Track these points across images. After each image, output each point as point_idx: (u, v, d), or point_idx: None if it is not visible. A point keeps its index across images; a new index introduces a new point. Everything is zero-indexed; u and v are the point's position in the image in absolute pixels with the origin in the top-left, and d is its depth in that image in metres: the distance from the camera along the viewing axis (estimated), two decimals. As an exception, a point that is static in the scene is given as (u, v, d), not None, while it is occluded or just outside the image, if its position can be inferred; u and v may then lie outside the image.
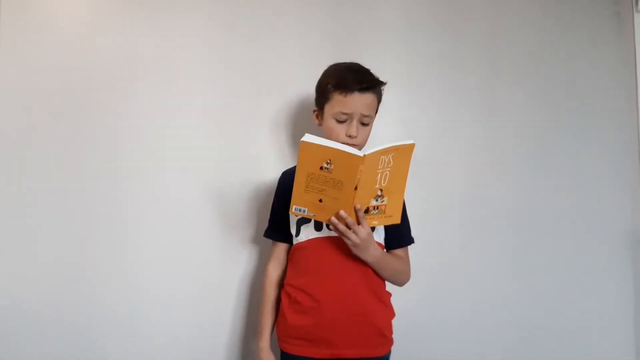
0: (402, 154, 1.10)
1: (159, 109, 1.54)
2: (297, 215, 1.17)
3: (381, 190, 1.13)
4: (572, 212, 1.71)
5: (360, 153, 1.05)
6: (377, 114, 1.35)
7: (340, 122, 1.25)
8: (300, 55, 1.61)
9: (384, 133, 1.60)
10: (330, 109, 1.26)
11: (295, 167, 1.38)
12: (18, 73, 1.49)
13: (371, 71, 1.29)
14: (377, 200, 1.14)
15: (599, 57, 1.77)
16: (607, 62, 1.77)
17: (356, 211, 1.12)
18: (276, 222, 1.36)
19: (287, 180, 1.33)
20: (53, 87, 1.50)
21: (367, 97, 1.25)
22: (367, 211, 1.14)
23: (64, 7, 1.53)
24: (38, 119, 1.49)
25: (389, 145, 1.07)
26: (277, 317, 1.34)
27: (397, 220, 1.18)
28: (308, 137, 1.05)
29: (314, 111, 1.35)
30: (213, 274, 1.55)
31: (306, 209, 1.14)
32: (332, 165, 1.06)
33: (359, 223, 1.14)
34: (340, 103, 1.24)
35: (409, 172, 1.13)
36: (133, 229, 1.52)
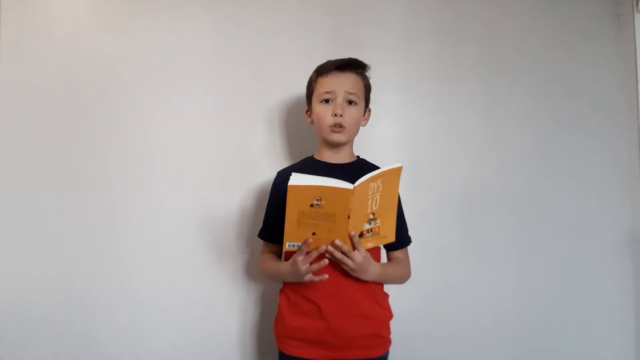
0: (390, 177, 1.10)
1: (158, 110, 1.54)
2: (290, 251, 1.16)
3: (373, 214, 1.13)
4: (572, 211, 1.71)
5: (350, 186, 1.04)
6: (369, 112, 1.36)
7: (325, 103, 1.28)
8: (301, 56, 1.60)
9: (385, 133, 1.63)
10: (316, 94, 1.30)
11: (290, 166, 1.39)
12: (18, 74, 1.49)
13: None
14: (370, 224, 1.14)
15: (599, 57, 1.76)
16: (608, 63, 1.77)
17: (351, 237, 1.12)
18: (271, 224, 1.34)
19: (281, 181, 1.32)
20: (52, 88, 1.50)
21: (348, 76, 1.28)
22: (361, 235, 1.14)
23: (64, 8, 1.53)
24: (37, 120, 1.49)
25: (377, 172, 1.07)
26: (275, 318, 1.33)
27: (391, 239, 1.19)
28: (295, 180, 1.03)
29: (306, 111, 1.36)
30: (210, 276, 1.55)
31: (300, 244, 1.13)
32: (323, 201, 1.05)
33: (354, 248, 1.15)
34: (323, 84, 1.29)
35: (398, 191, 1.14)
36: (132, 230, 1.52)
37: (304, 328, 1.24)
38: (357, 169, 1.31)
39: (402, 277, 1.34)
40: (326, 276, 1.17)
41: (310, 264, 1.15)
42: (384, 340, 1.29)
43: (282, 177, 1.34)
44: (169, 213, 1.53)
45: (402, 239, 1.34)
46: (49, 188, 1.49)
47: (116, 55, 1.54)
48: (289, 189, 1.04)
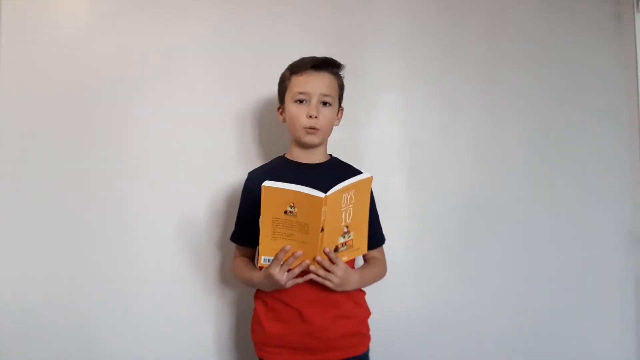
0: (362, 188, 1.10)
1: (159, 113, 1.54)
2: (265, 267, 1.14)
3: (347, 226, 1.12)
4: (573, 212, 1.71)
5: (321, 194, 1.03)
6: (342, 111, 1.34)
7: (300, 103, 1.25)
8: (301, 57, 1.57)
9: (385, 134, 1.63)
10: (289, 93, 1.27)
11: (261, 166, 1.37)
12: (18, 75, 1.50)
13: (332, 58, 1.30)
14: (344, 237, 1.13)
15: (599, 58, 1.77)
16: (608, 64, 1.77)
17: (327, 254, 1.12)
18: (243, 226, 1.32)
19: (253, 182, 1.31)
20: (52, 89, 1.51)
21: (324, 77, 1.26)
22: (335, 249, 1.14)
23: (64, 10, 1.54)
24: (36, 120, 1.50)
25: (348, 182, 1.06)
26: (251, 325, 1.31)
27: (364, 251, 1.19)
28: (268, 182, 1.04)
29: (278, 108, 1.34)
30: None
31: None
32: (296, 209, 1.05)
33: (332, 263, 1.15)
34: (297, 84, 1.26)
35: (369, 202, 1.14)
36: (131, 230, 1.52)
37: (284, 334, 1.22)
38: (329, 168, 1.31)
39: (379, 275, 1.34)
40: (311, 275, 1.14)
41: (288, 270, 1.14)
42: (364, 337, 1.29)
43: (253, 179, 1.32)
44: (169, 215, 1.53)
45: (376, 241, 1.33)
46: (46, 188, 1.49)
47: (116, 56, 1.54)
48: (262, 190, 1.04)
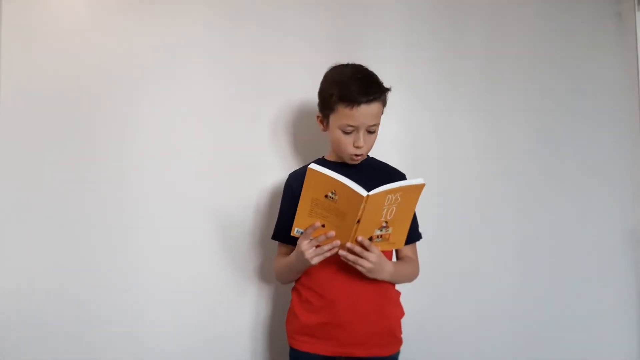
0: (411, 192, 1.10)
1: (159, 110, 1.54)
2: (298, 237, 1.17)
3: (386, 222, 1.13)
4: (574, 211, 1.71)
5: (363, 192, 1.04)
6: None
7: (346, 133, 1.24)
8: (303, 56, 1.60)
9: (386, 132, 1.58)
10: (337, 120, 1.24)
11: (301, 168, 1.39)
12: (17, 74, 1.48)
13: (374, 74, 1.26)
14: (381, 231, 1.14)
15: (600, 56, 1.77)
16: (609, 62, 1.77)
17: (360, 242, 1.13)
18: (285, 225, 1.32)
19: (293, 182, 1.33)
20: (52, 88, 1.49)
21: (373, 108, 1.22)
22: (370, 239, 1.15)
23: (64, 8, 1.52)
24: (36, 120, 1.49)
25: (396, 185, 1.06)
26: (287, 315, 1.35)
27: (400, 246, 1.20)
28: (315, 166, 1.06)
29: (318, 117, 1.33)
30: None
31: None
32: (337, 196, 1.06)
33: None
34: (347, 116, 1.21)
35: (415, 205, 1.14)
36: (133, 231, 1.51)
37: (315, 324, 1.25)
38: (367, 167, 1.33)
39: (412, 275, 1.35)
40: (333, 251, 1.15)
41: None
42: (396, 339, 1.30)
43: (294, 178, 1.35)
44: (171, 218, 1.53)
45: (411, 235, 1.32)
46: (49, 188, 1.48)
47: (117, 56, 1.53)
48: (308, 172, 1.05)
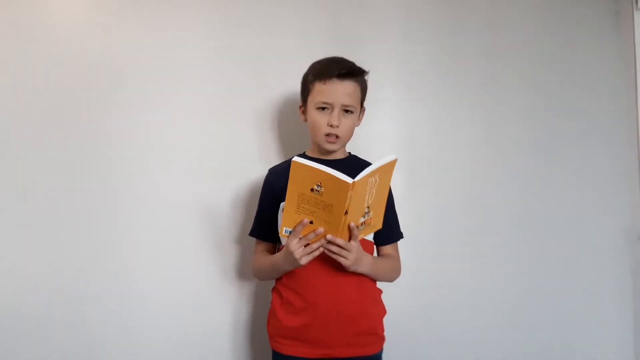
0: (386, 170, 1.12)
1: (156, 108, 1.53)
2: (286, 237, 1.16)
3: (368, 207, 1.14)
4: (572, 210, 1.71)
5: (349, 180, 1.04)
6: (363, 111, 1.35)
7: (321, 110, 1.26)
8: (300, 53, 1.55)
9: (383, 131, 1.63)
10: (312, 99, 1.27)
11: (281, 163, 1.38)
12: (13, 72, 1.48)
13: (355, 63, 1.28)
14: (364, 217, 1.15)
15: (598, 55, 1.77)
16: (607, 60, 1.77)
17: (351, 229, 1.12)
18: (263, 221, 1.34)
19: (273, 178, 1.33)
20: (48, 86, 1.49)
21: (348, 85, 1.25)
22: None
23: (61, 5, 1.52)
24: (33, 119, 1.48)
25: (375, 167, 1.07)
26: (268, 317, 1.33)
27: (379, 226, 1.21)
28: (299, 158, 1.06)
29: (300, 107, 1.35)
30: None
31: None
32: (323, 188, 1.06)
33: (349, 239, 1.14)
34: (321, 92, 1.25)
35: (390, 182, 1.16)
36: (130, 228, 1.51)
37: (298, 327, 1.24)
38: (349, 164, 1.31)
39: (393, 271, 1.34)
40: (320, 250, 1.14)
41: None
42: (379, 337, 1.30)
43: (274, 174, 1.34)
44: (166, 216, 1.52)
45: (392, 234, 1.34)
46: (46, 186, 1.48)
47: (113, 53, 1.53)
48: (292, 165, 1.05)
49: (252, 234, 1.38)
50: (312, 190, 1.07)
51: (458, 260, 1.65)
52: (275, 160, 1.54)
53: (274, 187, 1.29)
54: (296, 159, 1.06)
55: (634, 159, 1.76)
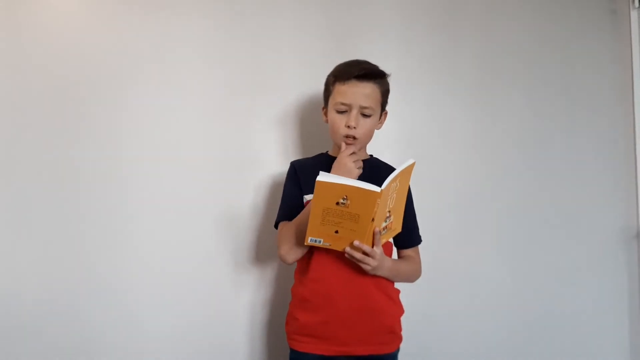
0: (406, 174, 1.13)
1: (155, 108, 1.52)
2: (312, 245, 1.17)
3: (389, 211, 1.15)
4: (567, 209, 1.73)
5: (377, 189, 1.05)
6: (385, 114, 1.35)
7: (340, 112, 1.27)
8: (298, 54, 1.59)
9: (381, 130, 1.58)
10: (332, 100, 1.28)
11: (304, 159, 1.39)
12: (11, 72, 1.46)
13: (378, 66, 1.29)
14: (386, 221, 1.16)
15: (595, 54, 1.79)
16: (604, 60, 1.79)
17: (374, 235, 1.13)
18: (290, 208, 1.31)
19: (297, 168, 1.34)
20: (47, 86, 1.47)
21: (366, 87, 1.25)
22: None
23: (58, 6, 1.50)
24: (32, 118, 1.47)
25: (397, 172, 1.08)
26: (287, 316, 1.34)
27: (399, 229, 1.22)
28: (322, 177, 1.05)
29: (323, 108, 1.35)
30: (219, 273, 1.54)
31: (322, 240, 1.14)
32: (349, 201, 1.06)
33: (373, 245, 1.15)
34: (340, 93, 1.26)
35: (408, 185, 1.17)
36: (131, 228, 1.50)
37: (315, 324, 1.24)
38: (370, 167, 1.31)
39: (413, 273, 1.35)
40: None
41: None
42: (396, 336, 1.30)
43: (297, 164, 1.35)
44: (167, 216, 1.51)
45: (412, 238, 1.35)
46: (44, 186, 1.46)
47: (112, 54, 1.51)
48: (317, 185, 1.05)
49: (277, 220, 1.33)
50: (337, 203, 1.07)
51: (454, 260, 1.65)
52: (275, 160, 1.55)
53: (297, 172, 1.31)
54: (320, 177, 1.05)
55: (630, 158, 1.77)
